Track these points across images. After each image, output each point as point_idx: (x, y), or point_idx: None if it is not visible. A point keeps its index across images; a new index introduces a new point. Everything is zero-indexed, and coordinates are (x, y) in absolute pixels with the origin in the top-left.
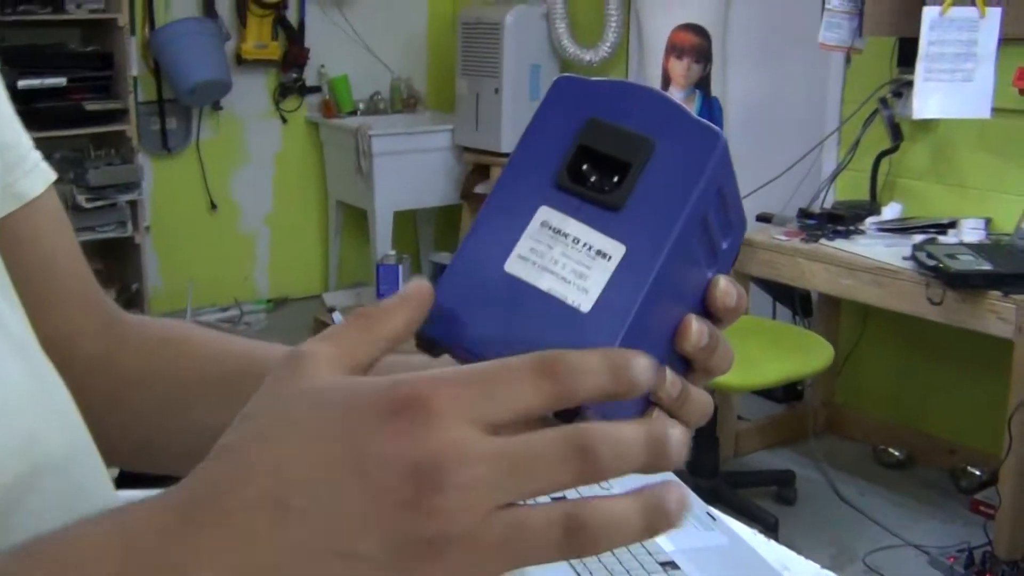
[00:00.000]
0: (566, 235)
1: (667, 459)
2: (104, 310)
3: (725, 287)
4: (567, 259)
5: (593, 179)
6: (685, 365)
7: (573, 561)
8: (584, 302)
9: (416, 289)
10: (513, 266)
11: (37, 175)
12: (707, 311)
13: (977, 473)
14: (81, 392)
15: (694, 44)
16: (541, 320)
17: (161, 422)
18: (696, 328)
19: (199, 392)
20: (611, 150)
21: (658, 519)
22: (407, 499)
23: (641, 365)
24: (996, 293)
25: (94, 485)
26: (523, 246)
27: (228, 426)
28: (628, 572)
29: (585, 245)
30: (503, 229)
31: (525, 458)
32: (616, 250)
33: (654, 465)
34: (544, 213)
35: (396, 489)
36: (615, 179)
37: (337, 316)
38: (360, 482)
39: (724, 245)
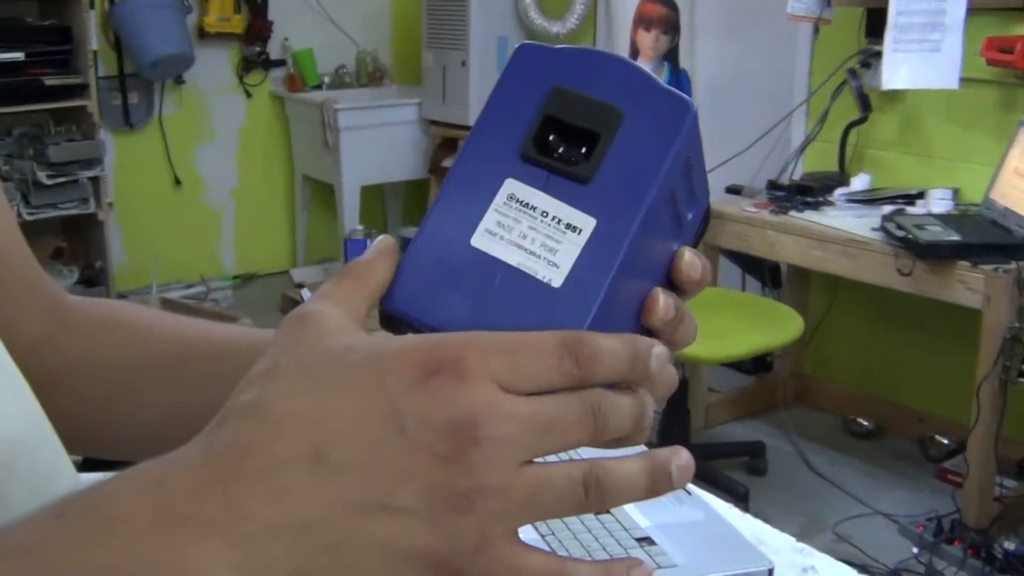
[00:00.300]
0: (534, 208)
1: (646, 430)
2: (46, 293)
3: (690, 259)
4: (536, 233)
5: (560, 150)
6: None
7: (550, 538)
8: (555, 277)
9: (386, 243)
10: (480, 240)
11: None
12: (671, 283)
13: (945, 442)
14: (25, 377)
15: (662, 15)
16: (511, 296)
17: (109, 406)
18: (663, 302)
19: (148, 374)
20: (578, 120)
21: (661, 481)
22: (445, 454)
23: (658, 354)
24: (964, 263)
25: (55, 466)
26: (490, 220)
27: (189, 402)
28: (605, 548)
29: (554, 219)
30: (468, 203)
31: (550, 419)
32: (586, 224)
33: (639, 433)
34: (511, 186)
35: (434, 444)
36: (583, 150)
37: (306, 292)
38: (398, 436)
39: (689, 216)
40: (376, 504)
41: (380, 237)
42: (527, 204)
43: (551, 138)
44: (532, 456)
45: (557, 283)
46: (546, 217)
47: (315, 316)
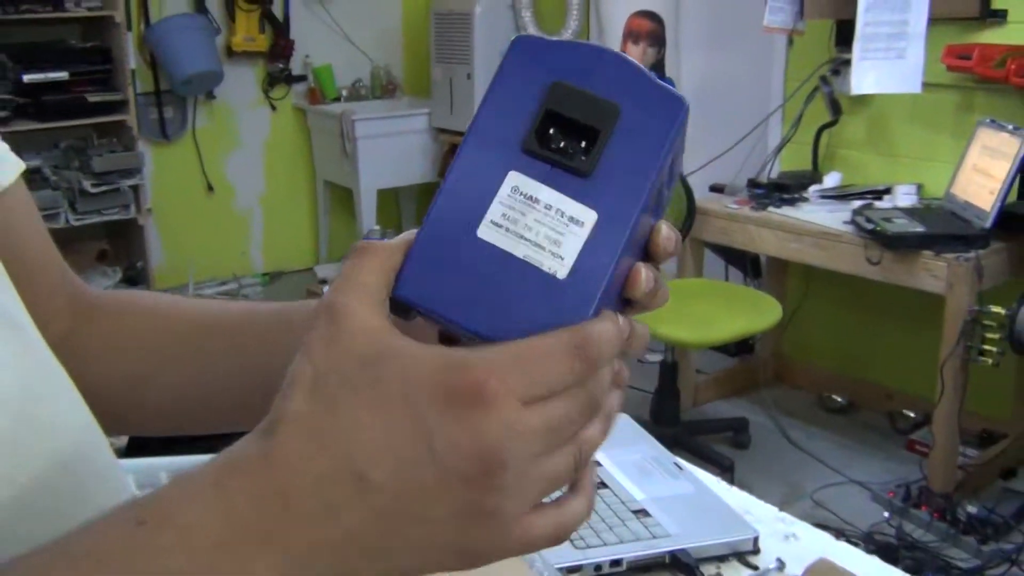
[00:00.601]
0: (537, 201)
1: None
2: (71, 291)
3: (667, 233)
4: (541, 225)
5: (561, 144)
6: (626, 303)
7: None
8: (560, 269)
9: (407, 234)
10: (486, 232)
11: (8, 165)
12: (647, 253)
13: (912, 416)
14: None
15: (650, 29)
16: (518, 287)
17: (131, 389)
18: (645, 275)
19: (166, 356)
20: (579, 116)
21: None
22: (473, 477)
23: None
24: (928, 253)
25: (109, 470)
26: (495, 212)
27: (203, 381)
28: (603, 520)
29: (558, 212)
30: (473, 194)
31: (562, 420)
32: (588, 217)
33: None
34: (514, 179)
35: (462, 468)
36: (583, 144)
37: (327, 289)
38: (430, 459)
39: (666, 194)
40: (410, 516)
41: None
42: (531, 197)
43: (552, 132)
44: (546, 454)
45: (562, 274)
46: (549, 210)
47: (344, 316)
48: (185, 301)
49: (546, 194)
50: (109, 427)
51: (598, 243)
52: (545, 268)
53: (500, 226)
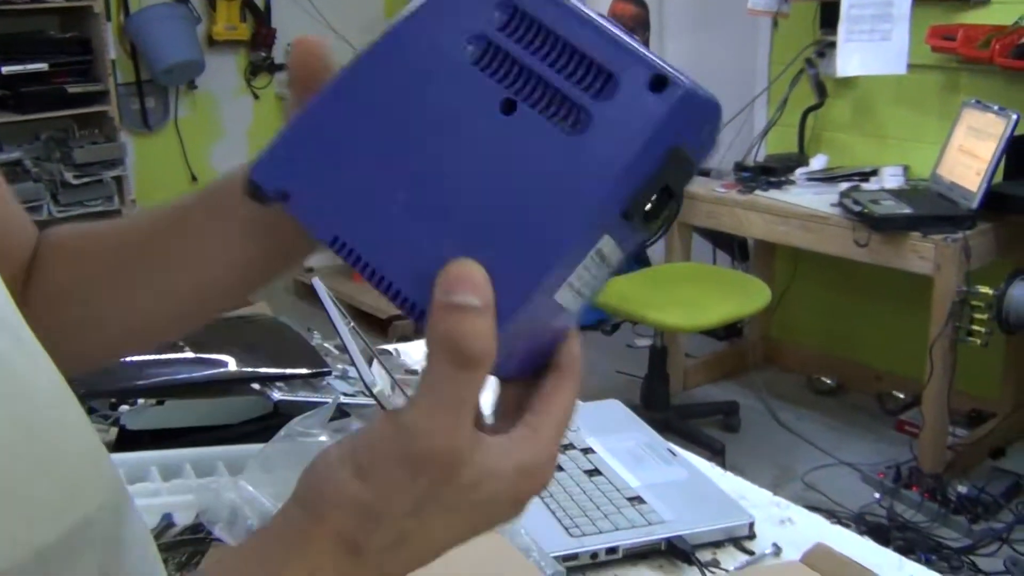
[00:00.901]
0: (606, 259)
1: None
2: (28, 247)
3: None
4: (594, 280)
5: (650, 209)
6: None
7: (550, 503)
8: (573, 305)
9: (487, 297)
10: (563, 295)
11: None
12: None
13: (901, 396)
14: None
15: (634, 14)
16: (552, 331)
17: (86, 327)
18: None
19: (102, 285)
20: (679, 189)
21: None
22: (509, 521)
23: None
24: (916, 234)
25: (90, 449)
26: (576, 276)
27: (136, 305)
28: (598, 507)
29: (610, 265)
30: (572, 257)
31: None
32: (618, 259)
33: None
34: (605, 243)
35: (506, 522)
36: (658, 205)
37: (317, 282)
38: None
39: None
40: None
41: (476, 280)
42: (606, 258)
43: (650, 197)
44: None
45: (574, 309)
46: (610, 266)
47: (463, 465)
48: (104, 224)
49: (615, 253)
50: (85, 364)
51: (604, 280)
52: (572, 310)
53: (573, 287)
